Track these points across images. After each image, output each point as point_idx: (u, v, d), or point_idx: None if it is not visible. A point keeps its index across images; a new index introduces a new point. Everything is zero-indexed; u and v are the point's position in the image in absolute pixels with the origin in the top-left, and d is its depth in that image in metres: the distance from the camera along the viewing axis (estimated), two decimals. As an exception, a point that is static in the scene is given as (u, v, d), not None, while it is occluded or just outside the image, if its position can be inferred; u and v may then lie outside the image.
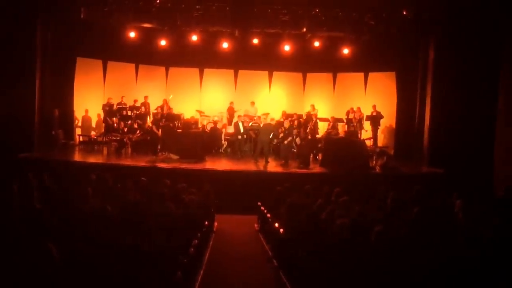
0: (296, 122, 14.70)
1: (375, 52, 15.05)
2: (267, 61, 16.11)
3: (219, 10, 13.58)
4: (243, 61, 16.15)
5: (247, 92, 16.75)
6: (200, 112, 15.87)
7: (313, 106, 15.64)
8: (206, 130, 14.91)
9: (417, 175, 12.31)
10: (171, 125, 14.18)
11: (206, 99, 16.87)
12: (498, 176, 11.92)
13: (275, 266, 6.96)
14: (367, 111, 15.12)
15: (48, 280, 3.45)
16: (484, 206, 6.88)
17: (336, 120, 15.18)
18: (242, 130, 14.18)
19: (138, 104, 15.19)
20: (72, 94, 15.02)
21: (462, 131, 12.56)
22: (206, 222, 7.62)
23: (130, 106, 15.07)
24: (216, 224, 9.40)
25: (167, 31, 14.33)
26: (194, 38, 14.60)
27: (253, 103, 15.96)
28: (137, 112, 14.84)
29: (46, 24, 13.18)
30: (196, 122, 15.30)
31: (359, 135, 14.73)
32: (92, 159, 12.64)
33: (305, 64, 16.34)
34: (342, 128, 15.34)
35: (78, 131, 15.54)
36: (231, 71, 16.97)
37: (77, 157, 13.28)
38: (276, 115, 15.53)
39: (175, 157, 12.64)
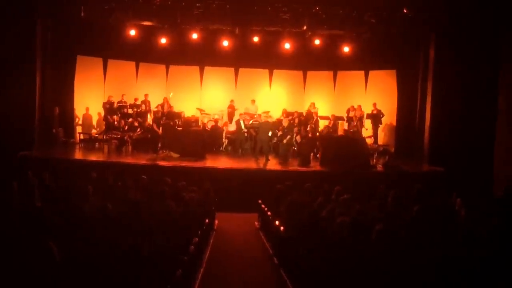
0: (296, 120, 14.69)
1: (376, 50, 15.03)
2: (267, 59, 16.10)
3: (220, 8, 13.56)
4: (243, 59, 16.13)
5: (247, 90, 16.73)
6: (200, 110, 15.86)
7: (313, 104, 15.64)
8: (206, 128, 14.90)
9: (417, 174, 12.30)
10: (171, 123, 14.19)
11: (207, 97, 16.86)
12: (498, 176, 11.91)
13: (276, 264, 6.96)
14: (367, 109, 15.11)
15: (48, 278, 3.45)
16: (484, 206, 6.88)
17: (337, 118, 15.17)
18: (244, 128, 14.18)
19: (138, 102, 15.20)
20: (72, 92, 15.03)
21: (462, 130, 12.55)
22: (207, 220, 7.63)
23: (130, 104, 15.07)
24: (216, 222, 9.40)
25: (168, 29, 14.32)
26: (195, 36, 14.59)
27: (253, 101, 15.96)
28: (138, 110, 14.84)
29: (46, 22, 13.18)
30: (196, 120, 15.30)
31: (360, 134, 14.72)
32: (92, 157, 12.63)
33: (305, 62, 16.32)
34: (341, 127, 15.33)
35: (78, 129, 15.55)
36: (232, 69, 16.95)
37: (78, 155, 13.28)
38: (276, 113, 15.52)
39: (175, 155, 12.64)
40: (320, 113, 15.61)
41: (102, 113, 15.25)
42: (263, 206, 8.93)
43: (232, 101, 16.12)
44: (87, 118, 15.70)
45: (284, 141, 13.17)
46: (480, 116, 12.45)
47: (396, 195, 6.99)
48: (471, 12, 12.16)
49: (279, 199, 7.91)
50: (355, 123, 14.90)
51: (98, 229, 4.75)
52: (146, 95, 15.48)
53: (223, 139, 15.13)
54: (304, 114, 15.19)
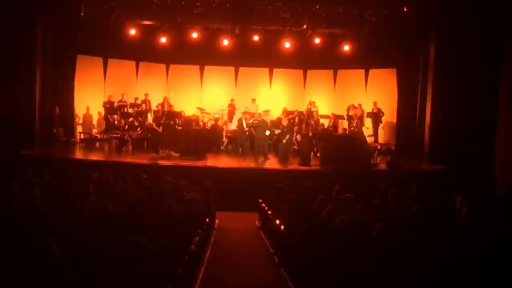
0: (297, 119, 14.67)
1: (376, 49, 15.01)
2: (267, 58, 16.08)
3: (219, 7, 13.56)
4: (243, 58, 16.12)
5: (247, 89, 16.72)
6: (200, 109, 15.85)
7: (313, 103, 15.62)
8: (207, 127, 14.89)
9: (418, 172, 12.29)
10: (171, 122, 14.17)
11: (207, 96, 16.85)
12: (499, 174, 11.89)
13: (276, 262, 6.96)
14: (368, 108, 15.10)
15: (49, 278, 3.45)
16: (485, 204, 6.88)
17: (337, 117, 15.16)
18: (245, 127, 14.19)
19: (138, 102, 15.20)
20: (72, 92, 15.00)
21: (463, 128, 12.52)
22: (207, 219, 7.63)
23: (130, 104, 15.06)
24: (217, 221, 9.40)
25: (168, 28, 14.33)
26: (195, 35, 14.59)
27: (253, 100, 15.95)
28: (138, 110, 14.83)
29: (47, 22, 13.17)
30: (196, 120, 15.28)
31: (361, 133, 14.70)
32: (93, 157, 12.63)
33: (305, 61, 16.31)
34: (341, 125, 15.31)
35: (79, 128, 15.52)
36: (232, 68, 16.94)
37: (78, 154, 13.28)
38: (277, 112, 15.51)
39: (176, 154, 12.64)
40: (321, 112, 15.60)
41: (103, 113, 15.23)
42: (263, 205, 8.92)
43: (232, 100, 16.11)
44: (87, 117, 15.68)
45: (284, 140, 13.15)
46: (481, 114, 12.44)
47: (397, 194, 6.99)
48: (471, 11, 12.14)
49: (279, 198, 7.91)
50: (355, 122, 14.89)
51: (98, 229, 4.75)
52: (146, 95, 15.47)
53: (223, 138, 15.13)
54: (304, 113, 15.19)
